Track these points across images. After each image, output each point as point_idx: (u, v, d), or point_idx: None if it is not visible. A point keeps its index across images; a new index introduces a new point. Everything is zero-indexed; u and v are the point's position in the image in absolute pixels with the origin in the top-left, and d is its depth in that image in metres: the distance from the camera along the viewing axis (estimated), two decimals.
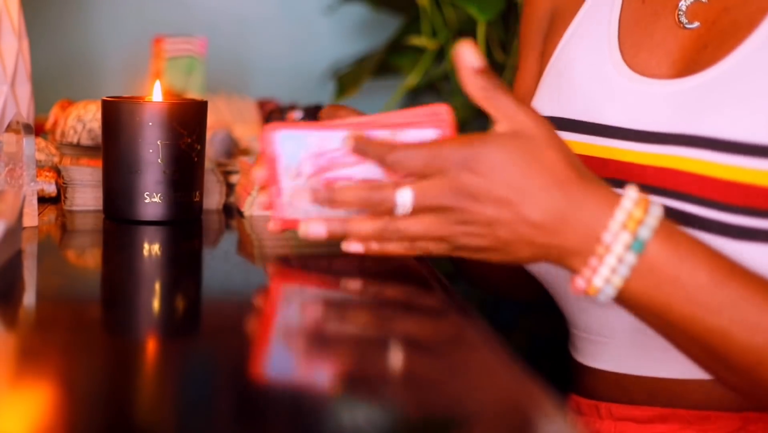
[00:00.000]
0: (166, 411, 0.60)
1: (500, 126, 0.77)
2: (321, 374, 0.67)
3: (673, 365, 0.89)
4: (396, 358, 0.70)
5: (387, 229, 0.78)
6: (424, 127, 0.79)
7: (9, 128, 0.96)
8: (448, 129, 0.79)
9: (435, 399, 0.62)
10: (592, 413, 0.95)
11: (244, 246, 1.01)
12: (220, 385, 0.64)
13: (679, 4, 0.92)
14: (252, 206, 1.08)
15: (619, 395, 0.94)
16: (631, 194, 0.76)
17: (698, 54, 0.89)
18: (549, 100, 0.97)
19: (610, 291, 0.77)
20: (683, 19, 0.92)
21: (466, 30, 1.71)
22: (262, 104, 1.60)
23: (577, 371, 0.99)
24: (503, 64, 1.67)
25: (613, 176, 0.89)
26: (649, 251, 0.76)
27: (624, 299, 0.78)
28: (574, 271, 0.78)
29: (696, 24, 0.91)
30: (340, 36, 1.98)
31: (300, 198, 0.82)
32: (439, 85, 1.84)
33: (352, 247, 0.80)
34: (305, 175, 0.82)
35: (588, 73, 0.95)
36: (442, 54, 1.74)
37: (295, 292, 0.88)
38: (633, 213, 0.75)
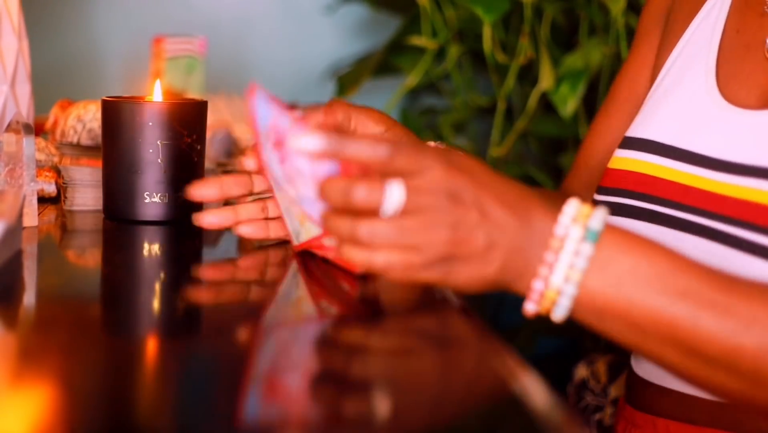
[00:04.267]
0: (166, 411, 0.60)
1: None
2: (317, 375, 0.67)
3: None
4: (391, 359, 0.70)
5: (363, 230, 0.70)
6: None
7: (9, 128, 0.96)
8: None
9: (430, 398, 0.62)
10: (648, 427, 0.94)
11: (244, 246, 1.01)
12: (220, 385, 0.64)
13: (767, 40, 0.92)
14: None
15: (679, 414, 0.92)
16: (573, 201, 0.74)
17: None
18: (643, 120, 0.97)
19: (571, 290, 0.73)
20: None
21: (467, 30, 1.71)
22: None
23: (637, 383, 0.97)
24: (505, 65, 1.67)
25: (694, 204, 0.88)
26: (604, 241, 0.73)
27: (584, 302, 0.74)
28: (527, 281, 0.74)
29: None
30: (340, 36, 1.98)
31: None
32: (439, 85, 1.84)
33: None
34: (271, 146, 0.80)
35: (685, 98, 0.94)
36: (442, 54, 1.74)
37: (288, 291, 0.88)
38: (581, 209, 0.74)
